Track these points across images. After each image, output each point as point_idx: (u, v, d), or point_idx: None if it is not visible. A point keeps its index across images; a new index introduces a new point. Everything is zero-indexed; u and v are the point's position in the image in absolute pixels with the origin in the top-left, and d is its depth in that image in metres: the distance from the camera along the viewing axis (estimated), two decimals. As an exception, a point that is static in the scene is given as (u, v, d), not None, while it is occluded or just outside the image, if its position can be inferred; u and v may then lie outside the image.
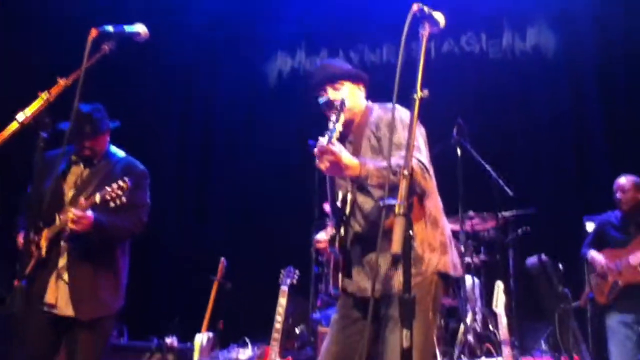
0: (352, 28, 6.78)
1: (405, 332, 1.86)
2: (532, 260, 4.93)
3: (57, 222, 3.06)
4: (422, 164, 2.36)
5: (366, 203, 2.52)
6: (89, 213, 2.98)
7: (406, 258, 1.90)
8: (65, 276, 3.07)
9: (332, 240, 2.56)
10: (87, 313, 3.07)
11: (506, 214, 4.75)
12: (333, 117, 2.34)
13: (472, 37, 6.58)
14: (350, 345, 2.51)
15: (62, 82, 2.53)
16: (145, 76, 6.74)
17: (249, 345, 4.78)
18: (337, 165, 2.24)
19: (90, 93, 2.64)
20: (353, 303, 2.58)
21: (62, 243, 3.09)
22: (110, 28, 2.58)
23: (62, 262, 3.08)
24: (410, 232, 1.89)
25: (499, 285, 4.08)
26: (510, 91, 6.27)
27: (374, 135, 2.55)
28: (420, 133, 2.56)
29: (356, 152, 2.53)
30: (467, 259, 4.66)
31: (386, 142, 2.45)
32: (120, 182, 2.95)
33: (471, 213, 4.81)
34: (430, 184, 2.44)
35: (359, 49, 6.82)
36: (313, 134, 5.19)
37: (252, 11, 6.95)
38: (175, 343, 4.80)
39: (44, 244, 3.08)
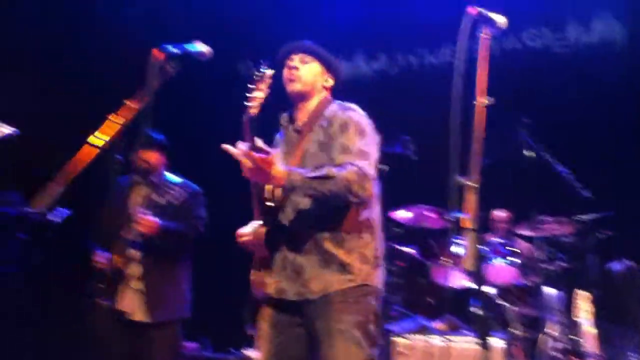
0: (411, 31, 6.67)
1: (481, 348, 1.78)
2: (617, 266, 4.68)
3: (126, 235, 3.34)
4: (363, 171, 2.23)
5: (300, 202, 2.35)
6: (155, 218, 3.31)
7: (478, 273, 1.81)
8: (137, 284, 3.37)
9: (257, 234, 2.38)
10: (157, 316, 3.37)
11: (583, 217, 4.52)
12: (252, 86, 2.26)
13: (535, 32, 6.36)
14: (288, 355, 2.36)
15: (129, 104, 2.55)
16: (206, 92, 6.80)
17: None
18: (263, 173, 2.13)
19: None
20: (276, 309, 2.40)
21: (133, 252, 3.36)
22: (173, 48, 2.58)
23: (133, 271, 3.37)
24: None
25: (580, 294, 3.89)
26: (577, 87, 6.00)
27: (323, 131, 2.41)
28: (375, 138, 2.45)
29: (301, 142, 2.45)
30: (544, 266, 4.46)
31: (334, 142, 2.34)
32: (177, 188, 3.39)
33: (545, 217, 4.61)
34: (370, 193, 2.28)
35: (419, 53, 6.72)
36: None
37: (308, 18, 6.92)
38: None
39: (116, 258, 3.33)
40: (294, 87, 2.51)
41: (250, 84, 2.24)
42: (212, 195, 3.81)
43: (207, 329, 4.75)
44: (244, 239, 2.44)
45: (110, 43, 6.03)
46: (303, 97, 2.53)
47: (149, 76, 2.48)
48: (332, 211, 2.29)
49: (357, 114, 2.43)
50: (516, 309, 4.57)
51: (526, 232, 4.93)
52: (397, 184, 5.25)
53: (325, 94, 2.58)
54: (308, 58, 2.54)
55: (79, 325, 3.49)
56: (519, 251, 5.00)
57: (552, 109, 5.80)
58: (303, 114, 2.54)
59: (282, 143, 2.59)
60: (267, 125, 2.51)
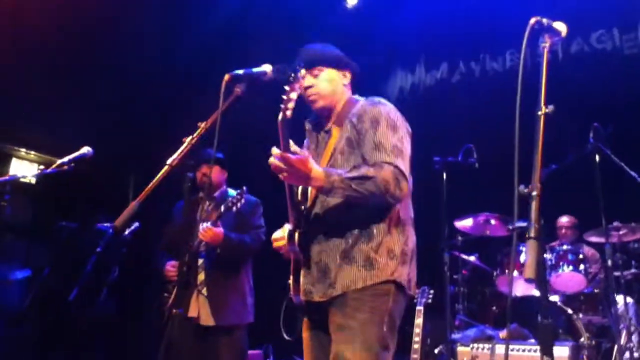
0: (472, 38, 6.62)
1: (546, 358, 1.72)
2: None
3: (193, 246, 3.56)
4: (400, 170, 2.17)
5: (330, 203, 2.28)
6: (219, 227, 3.52)
7: (541, 282, 1.79)
8: (204, 290, 3.59)
9: (290, 237, 2.30)
10: (223, 320, 3.56)
11: (657, 222, 4.36)
12: (287, 87, 2.15)
13: (603, 34, 6.16)
14: None
15: (201, 125, 2.70)
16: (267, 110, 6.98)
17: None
18: (300, 175, 2.08)
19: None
20: (309, 313, 2.33)
21: (200, 262, 3.61)
22: (240, 71, 2.73)
23: (200, 278, 3.60)
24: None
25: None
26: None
27: (354, 128, 2.32)
28: (406, 131, 2.36)
29: (330, 140, 2.39)
30: (616, 274, 4.32)
31: (366, 139, 2.26)
32: (237, 200, 3.50)
33: (617, 224, 4.49)
34: (406, 192, 2.21)
35: (480, 59, 6.65)
36: (436, 150, 5.16)
37: (367, 28, 6.98)
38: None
39: (184, 268, 3.53)
40: (318, 106, 2.45)
41: (286, 86, 2.16)
42: (270, 205, 3.94)
43: (270, 337, 4.88)
44: (278, 243, 2.40)
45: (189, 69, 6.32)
46: (330, 108, 2.46)
47: (220, 98, 2.61)
48: (362, 209, 2.22)
49: (386, 107, 2.34)
50: (584, 317, 4.47)
51: (596, 239, 4.80)
52: (461, 192, 5.25)
53: (348, 93, 2.51)
54: (316, 70, 2.44)
55: (153, 334, 3.70)
56: (588, 258, 4.87)
57: (621, 113, 5.61)
58: (332, 118, 2.47)
59: (310, 148, 2.53)
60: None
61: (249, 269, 3.84)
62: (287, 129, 2.14)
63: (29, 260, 6.39)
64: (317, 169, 2.12)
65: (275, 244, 2.42)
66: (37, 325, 5.68)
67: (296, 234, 2.28)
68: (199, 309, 3.56)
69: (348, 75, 2.52)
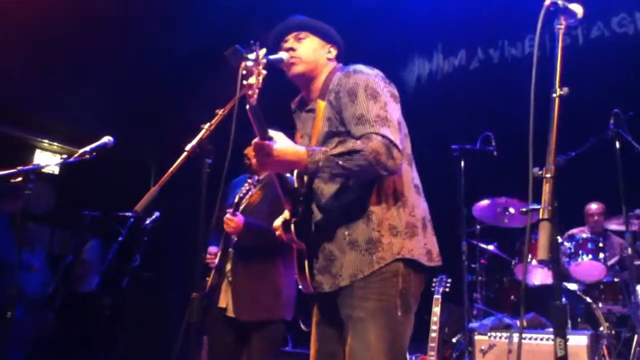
0: (490, 24, 6.54)
1: (559, 340, 1.70)
2: None
3: (225, 233, 3.40)
4: (389, 139, 2.00)
5: (326, 187, 2.16)
6: (239, 216, 3.30)
7: (554, 263, 1.77)
8: (230, 280, 3.37)
9: (286, 227, 2.17)
10: (246, 314, 3.28)
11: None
12: (247, 85, 1.95)
13: (624, 18, 6.05)
14: (329, 353, 2.19)
15: (219, 112, 2.73)
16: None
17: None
18: (280, 162, 1.98)
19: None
20: (319, 304, 2.24)
21: (230, 250, 3.42)
22: (238, 47, 2.73)
23: (229, 267, 3.40)
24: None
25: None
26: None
27: (332, 108, 2.17)
28: (390, 95, 2.17)
29: (316, 121, 2.24)
30: (637, 263, 4.28)
31: (347, 114, 2.10)
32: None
33: (638, 211, 4.43)
34: (399, 161, 2.04)
35: (499, 45, 6.58)
36: (454, 137, 5.12)
37: (384, 16, 6.94)
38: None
39: (220, 255, 3.45)
40: (295, 70, 2.28)
41: (243, 70, 1.98)
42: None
43: (288, 325, 4.92)
44: (279, 232, 2.27)
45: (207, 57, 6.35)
46: (309, 77, 2.30)
47: (238, 85, 2.61)
48: (357, 187, 2.11)
49: (362, 75, 2.16)
50: (603, 306, 4.44)
51: (617, 227, 4.76)
52: (479, 180, 5.22)
53: (331, 66, 2.34)
54: (302, 34, 2.32)
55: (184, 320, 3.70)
56: (610, 246, 4.83)
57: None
58: (314, 94, 2.32)
59: (300, 128, 2.40)
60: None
61: (287, 259, 3.46)
62: (258, 116, 1.95)
63: (52, 247, 6.54)
64: (296, 150, 2.01)
65: (278, 233, 2.29)
66: (61, 312, 5.79)
67: (292, 224, 2.16)
68: (227, 300, 3.34)
69: (333, 51, 2.37)
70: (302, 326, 2.40)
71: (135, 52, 5.93)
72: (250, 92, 1.93)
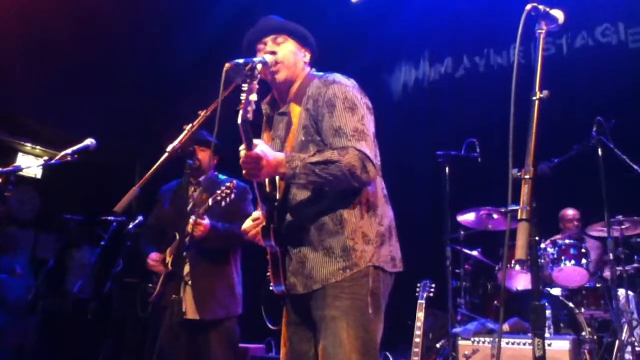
0: (476, 32, 6.62)
1: (537, 340, 1.72)
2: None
3: (178, 237, 3.47)
4: (364, 154, 2.06)
5: (301, 193, 2.19)
6: (206, 219, 3.37)
7: (533, 264, 1.78)
8: (189, 283, 3.45)
9: (265, 232, 2.19)
10: (209, 314, 3.41)
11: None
12: (245, 87, 1.97)
13: (608, 28, 6.13)
14: (299, 354, 2.22)
15: (201, 113, 2.72)
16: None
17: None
18: (264, 170, 2.00)
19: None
20: (291, 305, 2.27)
21: (184, 254, 3.41)
22: (240, 60, 2.74)
23: (186, 270, 3.46)
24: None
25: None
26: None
27: (310, 116, 2.19)
28: (366, 108, 2.21)
29: (291, 128, 2.25)
30: (619, 268, 4.31)
31: (325, 125, 2.14)
32: (227, 184, 3.36)
33: (620, 217, 4.47)
34: (373, 175, 2.11)
35: (484, 53, 6.64)
36: (440, 144, 5.13)
37: (372, 23, 6.97)
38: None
39: (169, 259, 3.49)
40: (281, 77, 2.29)
41: (244, 85, 2.00)
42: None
43: (273, 331, 4.89)
44: (251, 234, 2.31)
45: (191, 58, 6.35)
46: (289, 82, 2.31)
47: (221, 86, 2.61)
48: (332, 197, 2.15)
49: (341, 86, 2.19)
50: (585, 311, 4.46)
51: (598, 233, 4.79)
52: (464, 186, 5.25)
53: (306, 70, 2.36)
54: (281, 37, 2.32)
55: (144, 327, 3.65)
56: (591, 251, 4.86)
57: (626, 107, 5.58)
58: (289, 97, 2.32)
59: (271, 130, 2.40)
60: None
61: (238, 258, 3.69)
62: (248, 129, 1.96)
63: (35, 252, 6.47)
64: (276, 157, 2.03)
65: (250, 235, 2.31)
66: (42, 317, 5.72)
67: (271, 229, 2.18)
68: (185, 302, 3.39)
69: (307, 55, 2.39)
70: (270, 325, 2.41)
71: (120, 56, 5.91)
72: (249, 108, 1.94)
